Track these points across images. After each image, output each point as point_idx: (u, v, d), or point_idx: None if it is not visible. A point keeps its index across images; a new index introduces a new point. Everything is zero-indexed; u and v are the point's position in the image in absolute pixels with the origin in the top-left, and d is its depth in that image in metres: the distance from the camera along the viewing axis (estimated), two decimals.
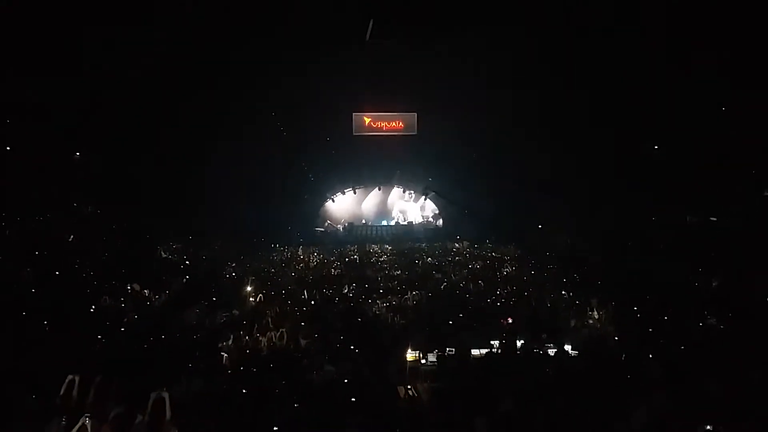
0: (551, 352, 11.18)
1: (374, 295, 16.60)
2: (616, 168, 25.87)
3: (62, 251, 17.82)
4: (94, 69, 19.86)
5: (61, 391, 6.80)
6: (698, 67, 19.61)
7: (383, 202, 41.24)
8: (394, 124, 30.39)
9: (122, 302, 14.33)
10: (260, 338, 11.84)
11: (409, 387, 9.34)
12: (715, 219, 23.82)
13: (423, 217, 40.72)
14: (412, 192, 40.27)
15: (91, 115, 21.61)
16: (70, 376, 6.92)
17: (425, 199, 39.88)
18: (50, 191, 21.27)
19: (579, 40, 20.47)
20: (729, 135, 20.62)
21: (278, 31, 20.11)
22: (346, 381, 8.83)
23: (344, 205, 40.28)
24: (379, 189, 39.45)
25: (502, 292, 17.47)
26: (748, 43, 17.61)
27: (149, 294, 15.82)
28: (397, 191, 40.59)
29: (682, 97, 21.12)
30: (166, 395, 6.45)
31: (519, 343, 11.59)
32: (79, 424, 6.06)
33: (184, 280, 18.73)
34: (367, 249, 29.53)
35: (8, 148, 20.48)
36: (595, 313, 14.35)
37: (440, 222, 39.08)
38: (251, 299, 15.77)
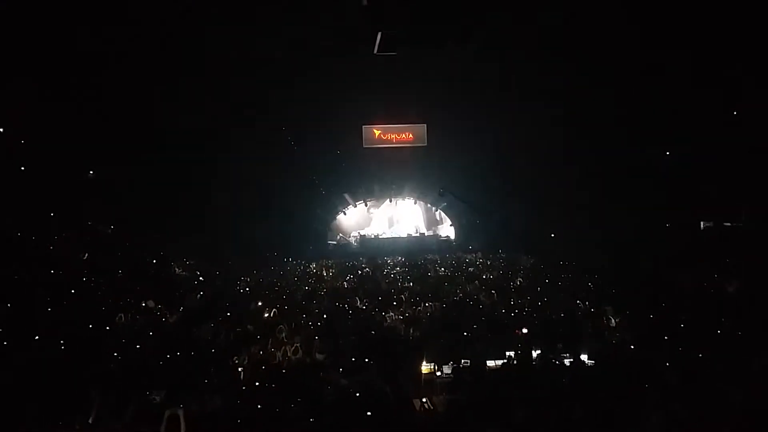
0: (567, 362, 11.11)
1: (387, 308, 16.56)
2: (628, 174, 25.77)
3: (77, 269, 17.95)
4: (105, 86, 20.09)
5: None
6: (711, 69, 19.55)
7: (395, 214, 41.31)
8: (404, 135, 30.49)
9: (137, 319, 14.39)
10: (275, 353, 11.84)
11: (424, 399, 9.32)
12: (729, 224, 23.65)
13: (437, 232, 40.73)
14: (425, 203, 40.29)
15: (102, 133, 21.81)
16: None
17: (438, 208, 39.88)
18: (64, 209, 21.44)
19: (588, 46, 20.45)
20: (741, 138, 20.51)
21: (287, 44, 20.27)
22: (360, 394, 8.81)
23: (356, 218, 40.37)
24: (391, 201, 39.52)
25: (516, 302, 17.38)
26: (758, 43, 17.55)
27: (164, 311, 15.88)
28: (408, 203, 40.63)
29: (694, 100, 21.04)
30: (180, 412, 6.47)
31: (534, 354, 11.53)
32: None
33: (198, 296, 18.78)
34: (380, 261, 29.51)
35: (22, 168, 20.69)
36: (611, 321, 14.24)
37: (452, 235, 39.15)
38: (265, 314, 15.78)
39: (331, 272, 26.42)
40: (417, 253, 32.45)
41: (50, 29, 16.96)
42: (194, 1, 17.38)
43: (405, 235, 38.97)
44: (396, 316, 15.52)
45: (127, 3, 17.06)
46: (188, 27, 18.56)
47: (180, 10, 17.55)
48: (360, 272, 25.87)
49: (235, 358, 11.43)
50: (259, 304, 16.92)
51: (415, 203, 40.47)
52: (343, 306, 17.19)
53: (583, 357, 11.25)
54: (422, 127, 30.17)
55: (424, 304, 16.91)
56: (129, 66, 19.58)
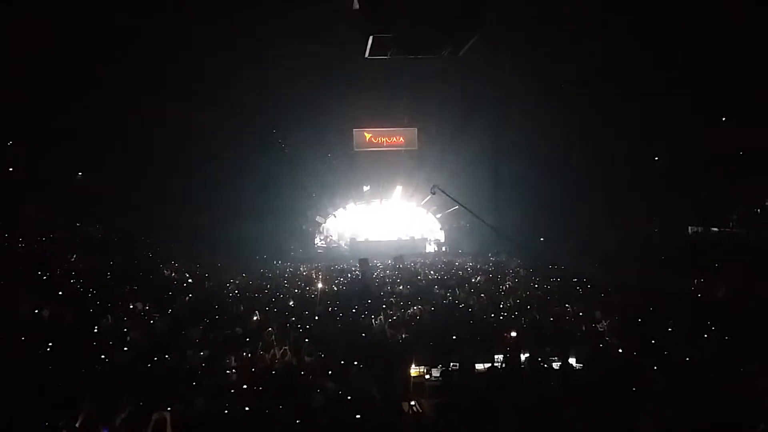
0: (555, 365, 11.14)
1: (377, 311, 16.54)
2: (617, 179, 25.91)
3: (64, 271, 17.83)
4: (96, 86, 20.01)
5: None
6: (697, 74, 19.68)
7: (384, 217, 41.30)
8: (394, 139, 30.47)
9: (125, 322, 14.29)
10: (263, 355, 11.80)
11: (413, 403, 9.31)
12: (716, 229, 23.82)
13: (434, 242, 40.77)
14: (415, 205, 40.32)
15: (91, 135, 21.71)
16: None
17: (428, 211, 39.91)
18: (52, 211, 21.32)
19: (577, 51, 20.56)
20: (728, 143, 20.66)
21: (279, 48, 20.26)
22: (349, 397, 8.80)
23: (346, 221, 40.35)
24: (381, 204, 39.54)
25: (505, 305, 17.41)
26: (748, 47, 17.66)
27: (152, 313, 15.78)
28: (398, 206, 40.65)
29: (681, 106, 21.18)
30: (167, 415, 6.45)
31: (523, 357, 11.55)
32: None
33: (187, 298, 18.69)
34: (369, 264, 29.44)
35: (11, 169, 20.56)
36: (599, 325, 14.29)
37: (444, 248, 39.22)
38: (254, 316, 15.72)
39: (321, 275, 26.37)
40: (407, 256, 32.46)
41: (42, 27, 16.90)
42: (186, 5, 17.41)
43: (395, 239, 38.97)
44: (385, 320, 15.50)
45: (120, 5, 17.04)
46: (178, 30, 18.54)
47: (172, 13, 17.56)
48: (349, 275, 25.84)
49: (224, 360, 11.38)
50: (248, 306, 16.85)
51: (405, 207, 40.49)
52: (332, 309, 17.16)
53: (572, 360, 11.29)
54: (413, 131, 30.20)
55: (414, 308, 16.90)
56: (119, 66, 19.50)
